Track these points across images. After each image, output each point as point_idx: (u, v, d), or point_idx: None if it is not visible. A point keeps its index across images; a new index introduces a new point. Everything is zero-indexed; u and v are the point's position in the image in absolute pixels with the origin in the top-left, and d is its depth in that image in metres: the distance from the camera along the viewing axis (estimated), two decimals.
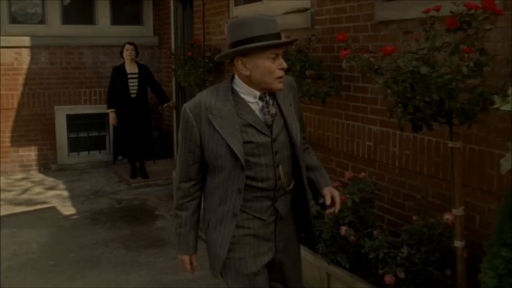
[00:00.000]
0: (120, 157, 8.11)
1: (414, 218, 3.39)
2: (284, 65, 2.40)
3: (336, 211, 2.54)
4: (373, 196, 3.78)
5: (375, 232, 3.53)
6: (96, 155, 8.94)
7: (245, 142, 2.38)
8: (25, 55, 8.35)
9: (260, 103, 2.44)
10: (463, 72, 2.46)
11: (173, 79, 8.30)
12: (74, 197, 7.26)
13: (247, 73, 2.38)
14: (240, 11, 6.37)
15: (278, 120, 2.47)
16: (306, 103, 4.65)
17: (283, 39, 2.42)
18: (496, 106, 2.08)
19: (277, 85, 2.40)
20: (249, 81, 2.40)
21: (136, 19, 9.13)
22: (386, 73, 2.82)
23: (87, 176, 8.35)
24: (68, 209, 6.75)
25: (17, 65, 8.32)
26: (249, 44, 2.31)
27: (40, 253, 5.33)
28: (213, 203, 2.50)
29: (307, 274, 3.99)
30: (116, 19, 8.91)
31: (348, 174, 4.06)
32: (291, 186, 2.56)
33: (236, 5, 6.57)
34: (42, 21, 8.56)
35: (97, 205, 6.92)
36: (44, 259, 5.19)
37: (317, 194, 2.64)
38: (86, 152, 8.91)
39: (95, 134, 8.93)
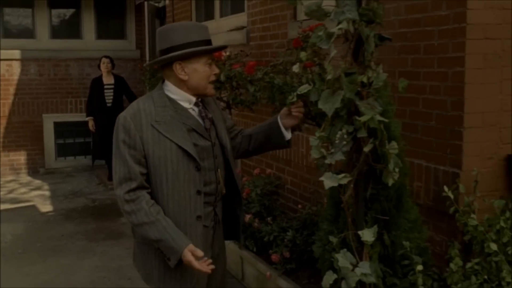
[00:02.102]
0: (97, 161, 8.72)
1: (299, 206, 3.99)
2: (217, 70, 2.45)
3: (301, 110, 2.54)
4: (276, 189, 4.37)
5: (268, 218, 4.13)
6: (82, 160, 9.64)
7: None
8: (16, 67, 9.09)
9: (196, 109, 2.44)
10: (302, 82, 3.06)
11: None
12: (54, 197, 7.94)
13: (185, 77, 2.35)
14: None
15: (211, 125, 2.48)
16: (239, 110, 5.27)
17: (221, 46, 2.57)
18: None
19: (211, 91, 2.44)
20: (185, 86, 2.38)
21: (119, 33, 9.84)
22: (258, 83, 3.43)
23: (70, 179, 9.05)
24: (46, 207, 7.43)
25: (8, 76, 9.06)
26: (191, 48, 2.32)
27: (11, 243, 5.99)
28: (169, 213, 2.33)
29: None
30: (101, 34, 9.63)
31: (256, 170, 4.67)
32: (224, 191, 2.54)
33: (197, 20, 7.23)
34: (31, 36, 9.30)
35: (73, 204, 7.59)
36: (14, 248, 5.85)
37: (282, 136, 2.58)
38: (72, 157, 9.61)
39: (80, 140, 9.63)
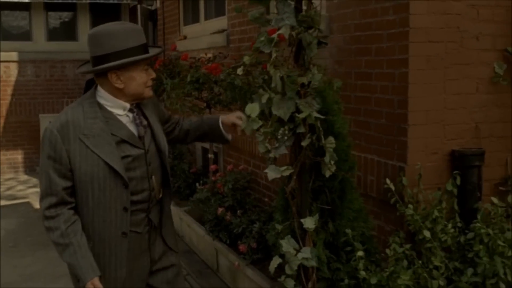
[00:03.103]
0: None
1: (266, 199, 4.22)
2: (153, 75, 2.41)
3: (241, 126, 2.54)
4: (248, 184, 4.61)
5: (239, 212, 4.36)
6: None
7: (122, 158, 2.31)
8: (13, 68, 9.37)
9: (131, 115, 2.40)
10: (258, 83, 3.29)
11: None
12: None
13: (121, 86, 2.30)
14: (188, 31, 7.26)
15: (147, 131, 2.45)
16: (218, 110, 5.50)
17: (153, 50, 2.42)
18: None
19: (148, 93, 2.39)
20: (120, 94, 2.34)
21: None
22: (221, 84, 3.67)
23: None
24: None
25: (5, 77, 9.34)
26: (129, 58, 2.26)
27: (4, 238, 6.25)
28: (94, 227, 2.34)
29: (203, 248, 4.84)
30: None
31: (229, 166, 4.91)
32: (161, 195, 2.55)
33: (185, 24, 7.47)
34: (28, 38, 9.58)
35: None
36: (6, 241, 6.11)
37: (221, 135, 2.72)
38: None
39: None
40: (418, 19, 3.16)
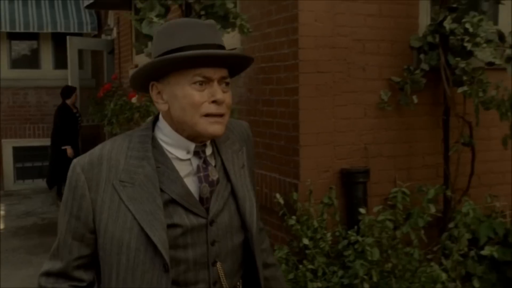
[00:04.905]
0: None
1: None
2: (219, 95, 1.44)
3: None
4: None
5: None
6: (40, 183, 10.18)
7: (167, 227, 1.44)
8: None
9: (195, 162, 1.51)
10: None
11: None
12: (7, 216, 8.48)
13: (164, 107, 1.48)
14: (139, 59, 7.67)
15: (221, 190, 1.54)
16: None
17: (220, 50, 1.45)
18: None
19: (207, 128, 1.45)
20: (181, 125, 1.48)
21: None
22: (140, 110, 4.05)
23: (27, 200, 9.58)
24: None
25: None
26: (160, 58, 1.43)
27: None
28: None
29: None
30: (58, 64, 10.27)
31: None
32: None
33: (137, 53, 7.88)
34: None
35: (24, 222, 8.13)
36: None
37: None
38: (30, 180, 10.16)
39: (39, 164, 10.19)
40: (307, 52, 3.59)
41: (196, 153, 1.51)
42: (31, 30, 9.40)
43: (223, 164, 1.57)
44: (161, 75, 1.46)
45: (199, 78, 1.43)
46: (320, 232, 3.24)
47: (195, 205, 1.49)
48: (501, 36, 4.00)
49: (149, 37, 3.05)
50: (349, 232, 3.17)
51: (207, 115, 1.44)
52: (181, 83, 1.44)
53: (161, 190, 1.45)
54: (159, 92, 1.49)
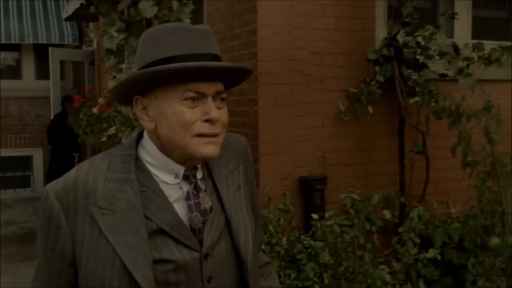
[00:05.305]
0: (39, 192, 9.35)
1: None
2: (214, 114, 1.27)
3: None
4: None
5: None
6: (21, 192, 10.28)
7: (155, 262, 1.25)
8: None
9: (185, 187, 1.34)
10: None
11: None
12: None
13: (150, 125, 1.31)
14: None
15: (215, 218, 1.37)
16: None
17: (217, 63, 1.28)
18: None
19: (199, 149, 1.28)
20: (169, 146, 1.31)
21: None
22: (109, 120, 4.18)
23: (8, 210, 9.65)
24: None
25: None
26: (147, 69, 1.24)
27: None
28: None
29: None
30: (40, 74, 10.40)
31: None
32: None
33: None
34: None
35: (3, 231, 8.21)
36: None
37: None
38: (12, 190, 10.24)
39: (20, 174, 10.28)
40: (266, 65, 3.74)
41: (185, 177, 1.33)
42: (12, 41, 9.51)
43: (215, 187, 1.39)
44: (147, 88, 1.28)
45: (191, 94, 1.25)
46: (276, 237, 3.38)
47: (188, 237, 1.30)
48: (456, 49, 4.20)
49: (111, 51, 3.19)
50: (302, 236, 3.32)
51: (200, 135, 1.26)
52: (170, 98, 1.25)
53: (147, 218, 1.27)
54: (144, 108, 1.31)
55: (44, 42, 9.68)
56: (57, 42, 9.78)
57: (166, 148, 1.30)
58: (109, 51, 3.15)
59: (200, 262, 1.30)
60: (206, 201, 1.33)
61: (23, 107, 10.19)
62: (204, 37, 1.30)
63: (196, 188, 1.33)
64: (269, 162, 3.77)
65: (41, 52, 10.30)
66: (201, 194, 1.33)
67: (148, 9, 3.02)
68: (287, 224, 3.56)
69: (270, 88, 3.76)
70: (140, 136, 1.38)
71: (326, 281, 3.16)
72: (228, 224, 1.37)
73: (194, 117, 1.25)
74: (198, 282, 1.30)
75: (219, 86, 1.30)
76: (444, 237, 3.96)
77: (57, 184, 1.29)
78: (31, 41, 9.65)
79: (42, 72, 10.43)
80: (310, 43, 3.84)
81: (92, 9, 3.28)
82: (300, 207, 3.82)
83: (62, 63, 10.63)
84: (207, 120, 1.26)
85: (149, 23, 3.23)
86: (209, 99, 1.27)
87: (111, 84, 7.46)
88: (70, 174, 1.30)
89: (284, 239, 3.38)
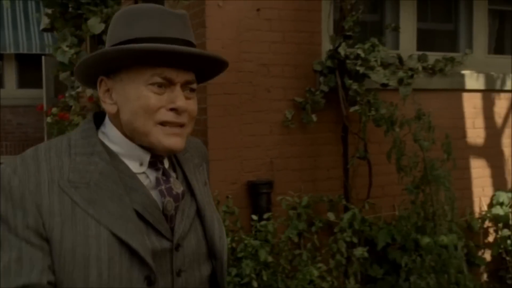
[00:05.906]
0: None
1: None
2: (180, 103, 1.18)
3: None
4: None
5: None
6: None
7: None
8: None
9: (153, 175, 1.24)
10: None
11: None
12: None
13: (112, 108, 1.22)
14: None
15: (186, 207, 1.27)
16: None
17: (189, 48, 1.19)
18: None
19: (161, 140, 1.19)
20: (124, 128, 1.22)
21: (38, 83, 10.83)
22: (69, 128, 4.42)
23: None
24: None
25: None
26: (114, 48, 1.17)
27: None
28: None
29: None
30: (22, 83, 10.64)
31: None
32: None
33: None
34: None
35: None
36: None
37: None
38: None
39: None
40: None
41: (152, 164, 1.23)
42: None
43: (185, 177, 1.30)
44: (113, 69, 1.20)
45: (159, 79, 1.17)
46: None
47: (161, 222, 1.19)
48: (400, 60, 4.47)
49: (63, 65, 3.43)
50: (243, 236, 3.56)
51: (163, 123, 1.18)
52: (136, 81, 1.17)
53: (125, 187, 1.17)
54: (108, 90, 1.22)
55: (25, 52, 9.92)
56: (38, 52, 10.02)
57: (131, 134, 1.21)
58: (61, 64, 3.38)
59: (171, 253, 1.20)
60: (178, 187, 1.23)
61: (5, 115, 10.41)
62: (180, 22, 1.21)
63: (165, 174, 1.24)
64: (218, 168, 4.00)
65: (22, 61, 10.54)
66: (172, 179, 1.23)
67: (96, 25, 3.25)
68: (233, 225, 3.80)
69: (219, 98, 4.00)
70: (96, 118, 1.28)
71: (265, 278, 3.40)
72: (199, 215, 1.28)
73: (159, 103, 1.17)
74: (167, 275, 1.19)
75: (190, 76, 1.22)
76: (387, 238, 4.21)
77: (13, 162, 1.15)
78: (12, 51, 9.89)
79: (24, 81, 10.67)
80: (257, 55, 4.09)
81: (47, 25, 3.52)
82: (248, 209, 4.05)
83: (42, 72, 10.87)
84: (172, 109, 1.18)
85: (99, 38, 3.48)
86: (177, 87, 1.19)
87: (89, 92, 7.70)
88: (27, 153, 1.17)
89: (229, 239, 3.61)
